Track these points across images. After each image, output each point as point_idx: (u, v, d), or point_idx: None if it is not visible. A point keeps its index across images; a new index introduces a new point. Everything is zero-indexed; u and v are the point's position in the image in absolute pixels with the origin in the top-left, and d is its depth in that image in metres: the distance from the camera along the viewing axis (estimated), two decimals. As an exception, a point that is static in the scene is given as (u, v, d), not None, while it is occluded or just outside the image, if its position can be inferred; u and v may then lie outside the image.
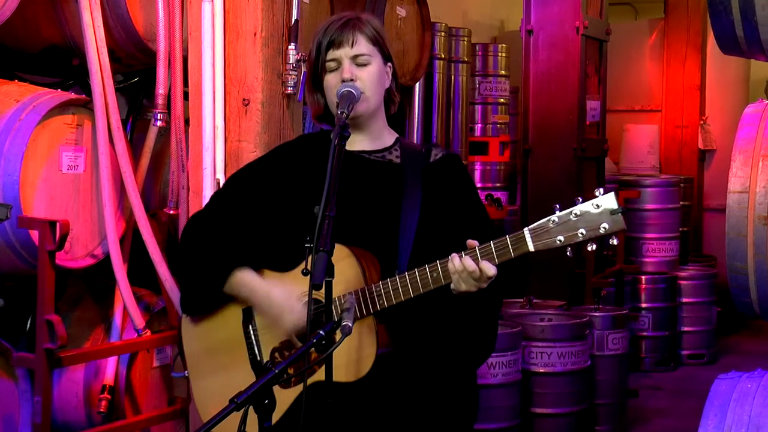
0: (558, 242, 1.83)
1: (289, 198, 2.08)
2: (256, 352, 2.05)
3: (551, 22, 5.14)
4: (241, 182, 2.16)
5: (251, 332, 2.06)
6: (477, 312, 1.97)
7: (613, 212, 1.82)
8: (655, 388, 5.45)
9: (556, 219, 1.84)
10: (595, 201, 1.83)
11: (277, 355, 2.03)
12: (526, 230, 1.86)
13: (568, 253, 1.86)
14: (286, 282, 2.03)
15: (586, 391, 4.22)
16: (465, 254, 1.86)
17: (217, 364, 2.09)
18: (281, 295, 1.99)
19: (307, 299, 1.93)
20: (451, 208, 2.06)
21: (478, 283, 1.86)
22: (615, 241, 1.85)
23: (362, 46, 2.03)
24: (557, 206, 1.86)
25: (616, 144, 6.91)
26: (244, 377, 2.02)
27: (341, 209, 1.81)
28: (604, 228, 1.82)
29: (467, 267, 1.84)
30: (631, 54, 7.28)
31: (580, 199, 1.85)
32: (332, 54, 2.03)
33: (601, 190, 1.84)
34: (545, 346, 4.05)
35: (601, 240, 1.84)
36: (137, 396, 3.06)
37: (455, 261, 1.85)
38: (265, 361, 2.03)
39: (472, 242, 1.88)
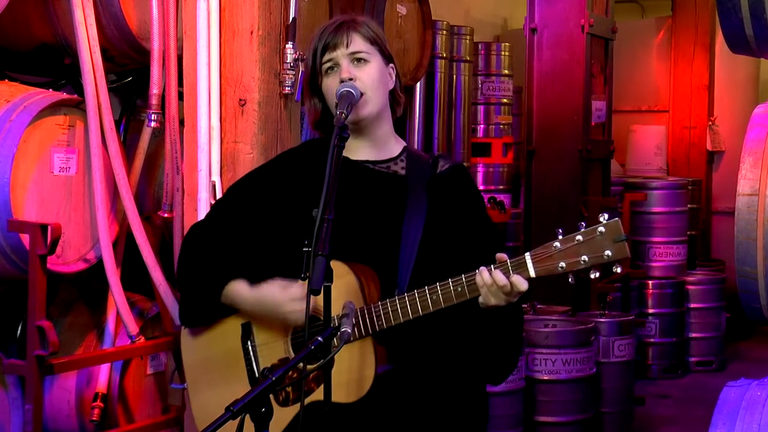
0: (560, 268, 1.79)
1: (292, 207, 2.04)
2: (254, 368, 2.02)
3: (556, 21, 5.11)
4: (243, 191, 2.12)
5: (250, 348, 2.04)
6: (500, 327, 1.94)
7: (617, 239, 1.77)
8: (662, 395, 5.43)
9: (558, 244, 1.80)
10: (599, 227, 1.78)
11: None
12: (527, 255, 1.82)
13: (570, 280, 1.81)
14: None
15: (591, 399, 4.19)
16: (495, 268, 1.83)
17: (215, 378, 2.07)
18: (275, 289, 1.95)
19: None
20: (457, 223, 2.01)
21: (508, 297, 1.83)
22: (618, 270, 1.79)
23: (359, 44, 1.99)
24: (560, 230, 1.81)
25: (623, 145, 6.88)
26: (241, 392, 1.98)
27: (342, 221, 1.78)
28: (608, 255, 1.77)
29: (497, 281, 1.80)
30: (638, 53, 7.25)
31: (584, 224, 1.81)
32: (328, 56, 1.99)
33: (606, 215, 1.79)
34: (550, 352, 4.02)
35: (604, 267, 1.80)
36: (131, 404, 3.04)
37: (484, 274, 1.82)
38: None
39: (501, 255, 1.85)
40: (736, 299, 2.76)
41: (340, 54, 1.97)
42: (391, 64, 2.05)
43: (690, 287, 5.99)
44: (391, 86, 2.04)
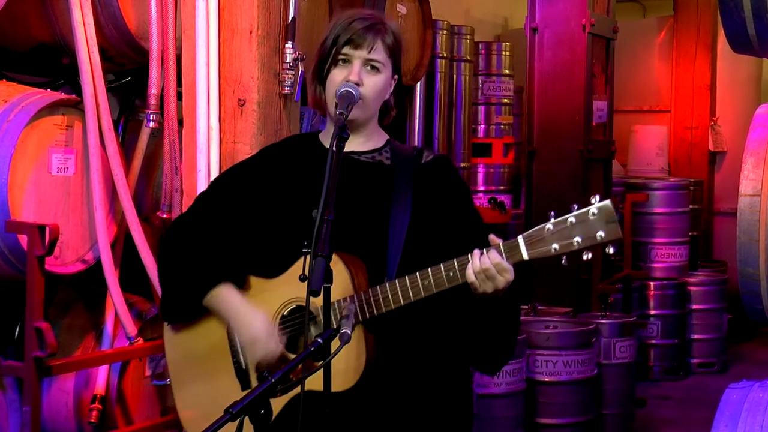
0: (553, 250, 1.80)
1: (276, 201, 2.05)
2: (241, 360, 2.01)
3: (557, 20, 5.09)
4: (227, 184, 2.13)
5: (236, 340, 2.02)
6: (495, 316, 1.93)
7: (609, 220, 1.79)
8: (663, 397, 5.41)
9: (551, 226, 1.81)
10: (591, 208, 1.79)
11: None
12: (519, 238, 1.83)
13: (563, 262, 1.82)
14: (271, 291, 2.00)
15: (592, 400, 4.18)
16: (482, 252, 1.83)
17: (200, 372, 2.06)
18: (260, 325, 1.96)
19: (280, 333, 1.93)
20: (443, 212, 2.02)
21: (494, 282, 1.82)
22: (611, 250, 1.81)
23: (379, 53, 2.01)
24: (552, 213, 1.82)
25: (624, 146, 6.86)
26: (227, 386, 1.99)
27: None
28: (600, 236, 1.79)
29: (483, 265, 1.81)
30: (640, 53, 7.23)
31: (576, 206, 1.81)
32: (347, 50, 2.01)
33: (597, 197, 1.81)
34: (551, 354, 4.01)
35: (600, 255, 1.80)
36: (129, 406, 3.03)
37: (475, 259, 1.81)
38: (249, 369, 1.99)
39: (494, 238, 1.86)
40: (738, 300, 2.76)
41: (358, 54, 1.99)
42: (396, 76, 2.08)
43: (692, 288, 5.97)
44: (387, 97, 2.07)
